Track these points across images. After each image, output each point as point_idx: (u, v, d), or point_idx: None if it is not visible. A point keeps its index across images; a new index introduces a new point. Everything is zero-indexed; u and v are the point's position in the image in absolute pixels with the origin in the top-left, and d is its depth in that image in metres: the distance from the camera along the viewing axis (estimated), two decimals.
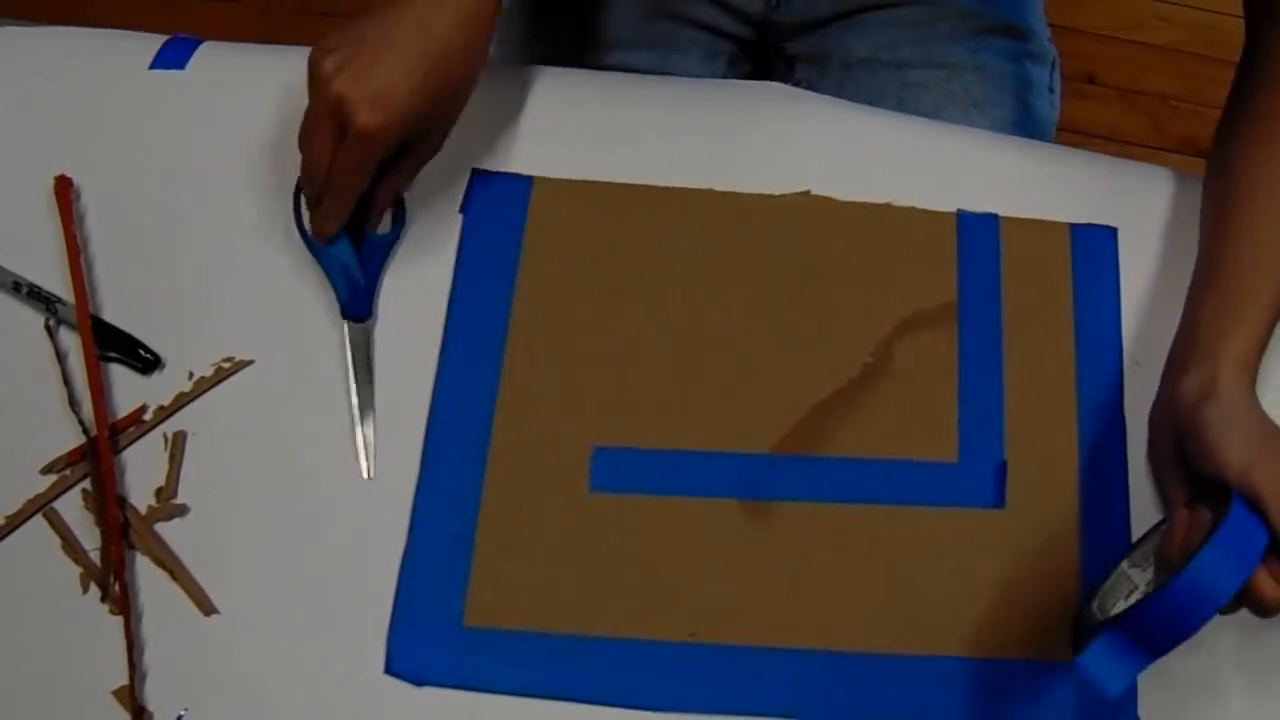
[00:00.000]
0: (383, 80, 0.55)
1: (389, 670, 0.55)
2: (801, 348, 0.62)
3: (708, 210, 0.64)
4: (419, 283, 0.63)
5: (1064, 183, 0.66)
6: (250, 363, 0.61)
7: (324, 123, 0.56)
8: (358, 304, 0.61)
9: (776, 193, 0.65)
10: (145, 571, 0.57)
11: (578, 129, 0.67)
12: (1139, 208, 0.65)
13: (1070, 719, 0.55)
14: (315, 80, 0.56)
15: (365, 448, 0.59)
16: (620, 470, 0.59)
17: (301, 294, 0.62)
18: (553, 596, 0.57)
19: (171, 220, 0.63)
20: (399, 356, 0.61)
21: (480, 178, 0.65)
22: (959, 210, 0.64)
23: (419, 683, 0.55)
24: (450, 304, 0.62)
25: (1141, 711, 0.56)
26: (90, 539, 0.57)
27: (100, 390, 0.59)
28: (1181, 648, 0.52)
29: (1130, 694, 0.56)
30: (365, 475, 0.59)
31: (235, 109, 0.66)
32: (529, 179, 0.65)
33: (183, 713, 0.55)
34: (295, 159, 0.59)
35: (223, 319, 0.62)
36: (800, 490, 0.59)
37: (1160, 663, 0.53)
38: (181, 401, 0.60)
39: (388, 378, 0.61)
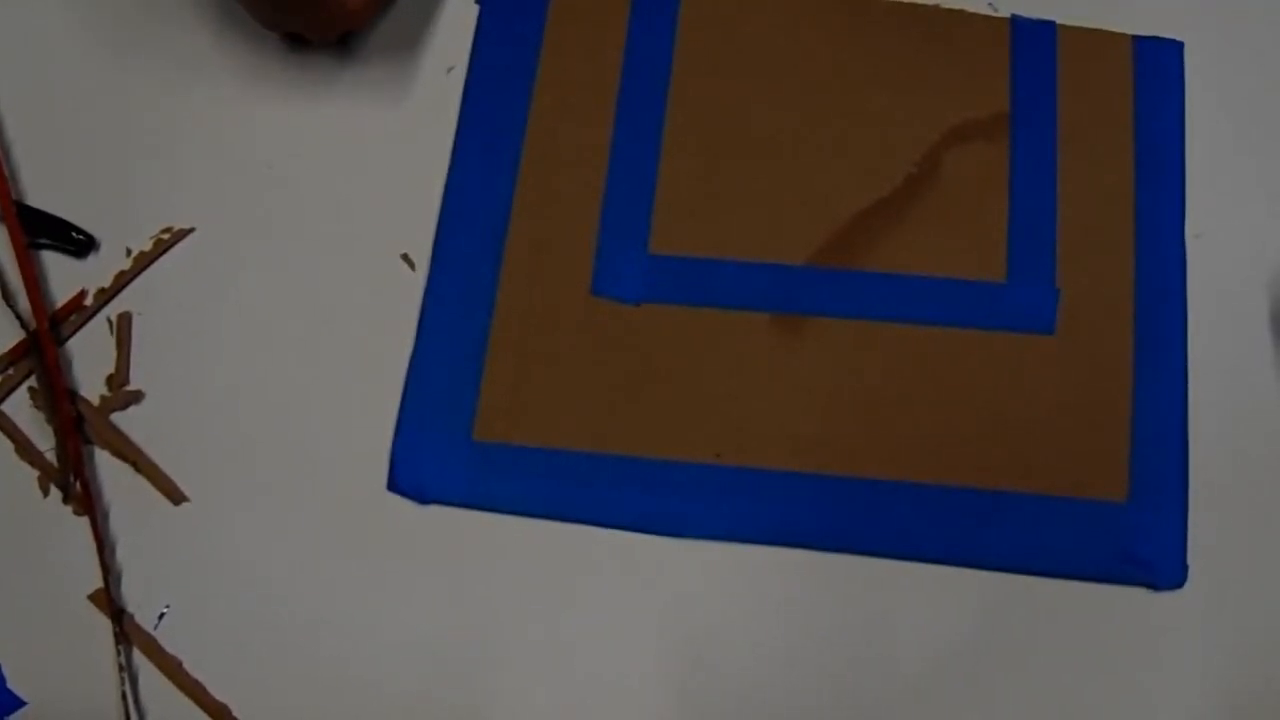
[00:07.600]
0: None
1: (392, 487, 0.51)
2: (840, 154, 0.56)
3: (740, 4, 0.58)
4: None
5: None
6: (191, 230, 0.55)
7: None
8: None
9: None
10: (107, 466, 0.52)
11: None
12: (1208, 20, 0.59)
13: (1115, 562, 0.51)
14: None
15: None
16: (641, 277, 0.54)
17: (240, 146, 0.56)
18: (569, 411, 0.52)
19: (85, 85, 0.57)
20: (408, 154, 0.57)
21: None
22: (1013, 15, 0.58)
23: (424, 500, 0.51)
24: (464, 100, 0.57)
25: (1191, 558, 0.51)
26: (44, 439, 0.53)
27: (35, 280, 0.54)
28: (1231, 499, 0.51)
29: (1180, 539, 0.51)
30: None
31: None
32: None
33: (165, 609, 0.50)
34: None
35: (156, 186, 0.56)
36: (836, 305, 0.54)
37: (1210, 511, 0.51)
38: (122, 281, 0.54)
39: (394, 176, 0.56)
